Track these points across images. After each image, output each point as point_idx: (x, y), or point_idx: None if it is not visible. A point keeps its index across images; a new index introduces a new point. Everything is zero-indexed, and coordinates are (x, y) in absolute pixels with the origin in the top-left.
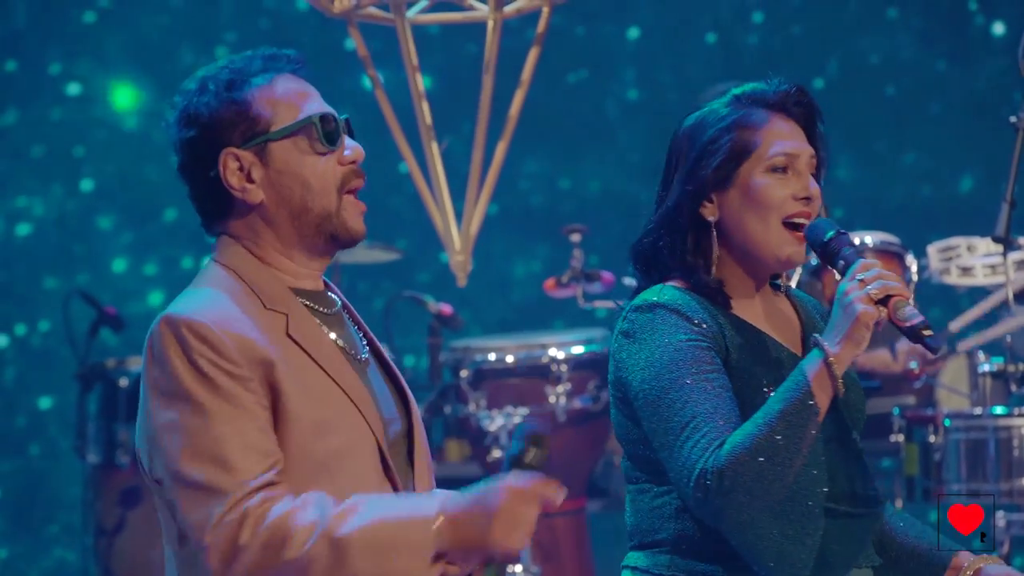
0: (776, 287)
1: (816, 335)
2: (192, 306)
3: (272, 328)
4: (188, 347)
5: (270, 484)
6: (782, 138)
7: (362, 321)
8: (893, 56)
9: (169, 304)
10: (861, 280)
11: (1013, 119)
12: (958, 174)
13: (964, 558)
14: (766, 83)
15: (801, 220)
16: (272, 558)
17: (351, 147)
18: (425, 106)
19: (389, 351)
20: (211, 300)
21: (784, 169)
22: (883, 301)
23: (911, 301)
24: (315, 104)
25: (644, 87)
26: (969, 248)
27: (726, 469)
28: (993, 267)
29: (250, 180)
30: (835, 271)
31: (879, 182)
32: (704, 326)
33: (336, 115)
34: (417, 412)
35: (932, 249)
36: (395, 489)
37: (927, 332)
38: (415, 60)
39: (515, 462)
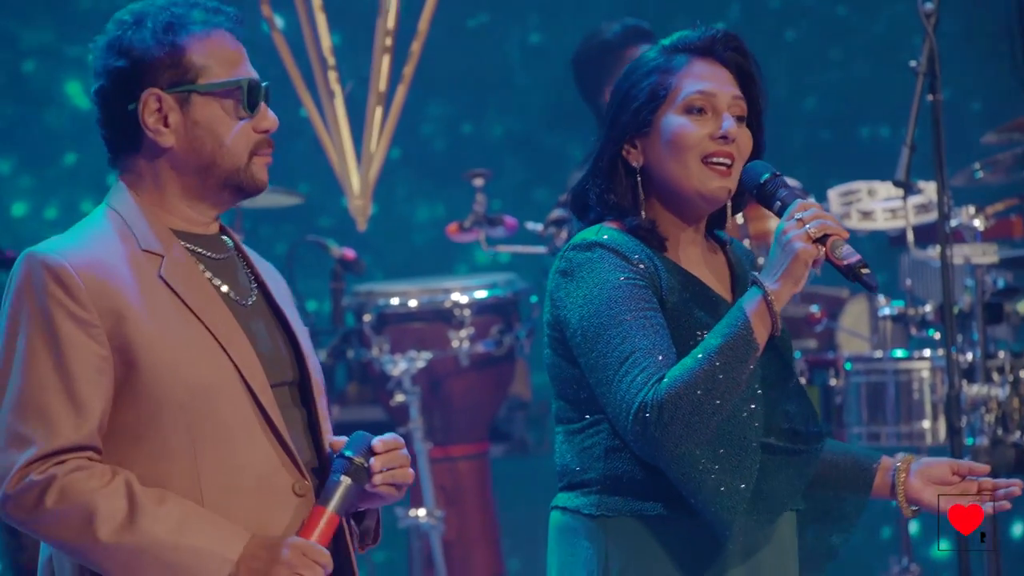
0: (719, 240)
1: (754, 273)
2: (57, 245)
3: (143, 270)
4: (40, 285)
5: (84, 450)
6: (699, 78)
7: (258, 268)
8: (794, 1)
9: (39, 244)
10: (799, 219)
11: (913, 63)
12: (858, 119)
13: (890, 459)
14: (694, 29)
15: (720, 160)
16: (72, 532)
17: (269, 117)
18: (327, 48)
19: (293, 297)
20: (80, 241)
21: (702, 110)
22: (821, 240)
23: (847, 240)
24: (244, 68)
25: (546, 31)
26: (870, 192)
27: (665, 402)
28: (893, 211)
29: (166, 124)
30: (772, 212)
31: (779, 127)
32: (642, 266)
33: (261, 84)
34: (311, 359)
35: (833, 193)
36: (273, 430)
37: (865, 270)
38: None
39: (346, 466)
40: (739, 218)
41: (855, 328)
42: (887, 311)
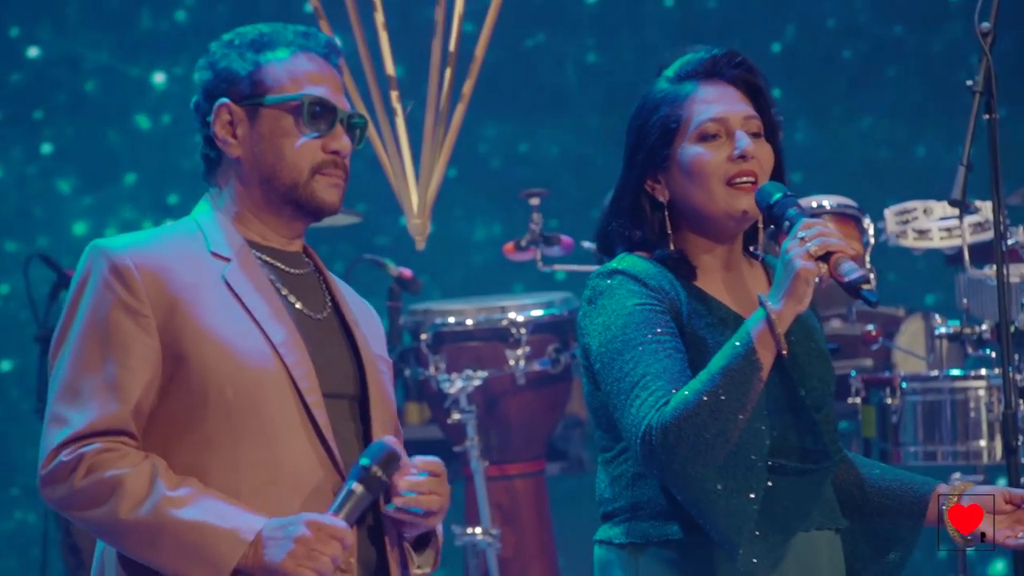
0: (754, 255)
1: (760, 294)
2: (122, 239)
3: (206, 270)
4: (99, 274)
5: (119, 434)
6: (707, 104)
7: (340, 293)
8: (850, 20)
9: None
10: (802, 238)
11: (969, 83)
12: (915, 138)
13: (945, 487)
14: (695, 52)
15: (744, 179)
16: (97, 510)
17: (341, 139)
18: (390, 66)
19: (383, 332)
20: (145, 237)
21: (715, 135)
22: (824, 258)
23: (853, 258)
24: (321, 89)
25: (603, 52)
26: (925, 211)
27: (670, 425)
28: (949, 230)
29: (234, 135)
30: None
31: (836, 146)
32: (661, 291)
33: (335, 106)
34: (375, 376)
35: (889, 212)
36: (319, 434)
37: (866, 286)
38: (382, 18)
39: (361, 474)
40: None
41: (911, 347)
42: (943, 330)
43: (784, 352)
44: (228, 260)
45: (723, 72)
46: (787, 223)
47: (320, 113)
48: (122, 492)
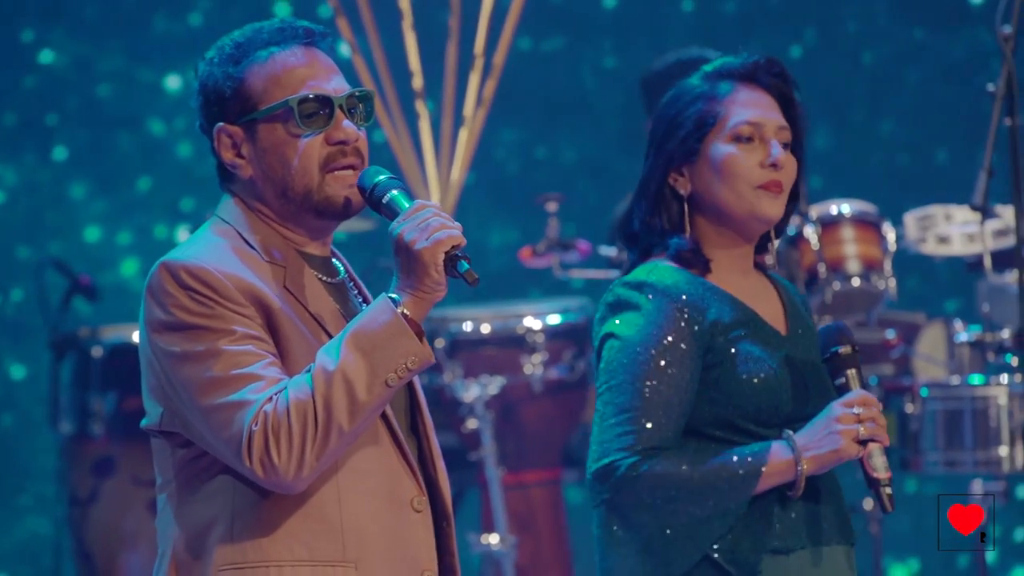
0: (760, 269)
1: (789, 431)
2: (190, 253)
3: (270, 278)
4: (189, 287)
5: (279, 381)
6: (745, 107)
7: (368, 296)
8: (870, 24)
9: (166, 254)
10: (857, 415)
11: (990, 87)
12: (935, 142)
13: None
14: (735, 55)
15: (771, 187)
16: (303, 430)
17: (342, 127)
18: (416, 69)
19: None
20: (210, 247)
21: (749, 138)
22: (864, 441)
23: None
24: (311, 83)
25: (621, 55)
26: (947, 217)
27: (644, 478)
28: (971, 236)
29: (240, 156)
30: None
31: (856, 151)
32: (686, 312)
33: (327, 95)
34: (420, 392)
35: (909, 218)
36: (396, 441)
37: (887, 490)
38: (410, 19)
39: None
40: (815, 243)
41: (932, 354)
42: (964, 337)
43: (797, 494)
44: (284, 267)
45: (761, 78)
46: (842, 380)
47: (313, 110)
48: (301, 398)
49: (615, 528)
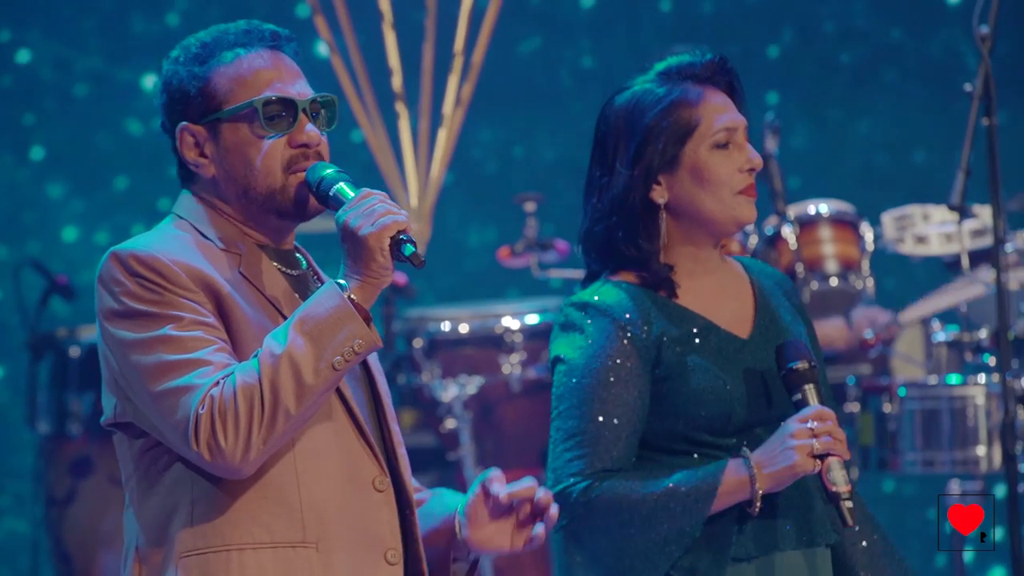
0: (737, 259)
1: (745, 448)
2: (140, 242)
3: (225, 265)
4: (138, 274)
5: (227, 366)
6: (720, 112)
7: None
8: (848, 24)
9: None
10: (811, 429)
11: (968, 87)
12: (913, 142)
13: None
14: (690, 55)
15: (750, 193)
16: (249, 413)
17: (305, 131)
18: (396, 68)
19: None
20: (161, 238)
21: (726, 144)
22: (822, 455)
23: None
24: (275, 86)
25: (598, 55)
26: (924, 217)
27: (595, 507)
28: (948, 236)
29: (203, 155)
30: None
31: (833, 150)
32: (629, 332)
33: (291, 98)
34: (381, 381)
35: (887, 218)
36: (355, 423)
37: (847, 503)
38: (390, 18)
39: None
40: (792, 243)
41: (910, 354)
42: (942, 337)
43: (754, 512)
44: (239, 254)
45: (715, 78)
46: (799, 397)
47: (277, 112)
48: (248, 380)
49: (576, 556)
